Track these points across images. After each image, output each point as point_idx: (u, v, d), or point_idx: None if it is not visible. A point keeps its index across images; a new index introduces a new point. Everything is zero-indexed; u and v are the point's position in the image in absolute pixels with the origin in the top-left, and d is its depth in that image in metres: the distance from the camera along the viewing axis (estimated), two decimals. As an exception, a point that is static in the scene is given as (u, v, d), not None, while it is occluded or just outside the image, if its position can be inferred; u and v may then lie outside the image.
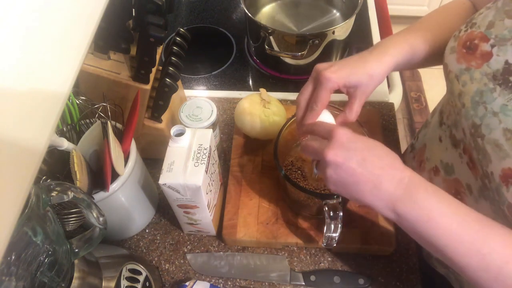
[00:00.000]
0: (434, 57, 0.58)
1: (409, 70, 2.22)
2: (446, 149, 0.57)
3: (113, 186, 0.56)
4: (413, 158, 0.73)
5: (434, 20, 0.61)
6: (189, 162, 0.56)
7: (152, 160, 0.75)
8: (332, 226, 0.55)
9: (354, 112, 0.55)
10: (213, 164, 0.61)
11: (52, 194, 0.43)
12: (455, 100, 0.52)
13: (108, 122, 0.55)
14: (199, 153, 0.57)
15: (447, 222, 0.43)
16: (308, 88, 0.55)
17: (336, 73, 0.52)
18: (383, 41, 0.58)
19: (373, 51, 0.56)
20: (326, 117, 0.55)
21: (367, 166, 0.45)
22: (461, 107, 0.50)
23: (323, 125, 0.51)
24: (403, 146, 0.82)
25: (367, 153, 0.46)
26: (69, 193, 0.44)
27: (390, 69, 0.55)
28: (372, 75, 0.54)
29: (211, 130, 0.60)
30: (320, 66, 0.55)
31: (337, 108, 0.65)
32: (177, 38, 0.64)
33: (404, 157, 0.77)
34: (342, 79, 0.53)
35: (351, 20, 0.87)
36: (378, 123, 0.79)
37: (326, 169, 0.47)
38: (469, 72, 0.49)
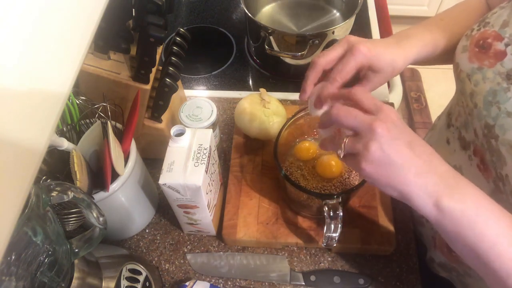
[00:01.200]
0: (449, 55, 0.57)
1: (409, 70, 2.22)
2: (454, 151, 0.56)
3: (113, 186, 0.56)
4: None
5: (453, 17, 0.60)
6: (189, 162, 0.56)
7: (152, 160, 0.75)
8: (332, 226, 0.55)
9: None
10: (213, 164, 0.61)
11: (52, 194, 0.43)
12: (466, 100, 0.51)
13: (108, 122, 0.55)
14: (199, 153, 0.57)
15: (497, 220, 0.39)
16: (333, 54, 0.51)
17: (370, 50, 0.50)
18: (408, 32, 0.57)
19: (401, 43, 0.54)
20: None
21: (416, 149, 0.41)
22: (473, 107, 0.49)
23: (368, 95, 0.44)
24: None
25: (414, 137, 0.42)
26: (69, 193, 0.44)
27: (409, 64, 0.55)
28: (395, 67, 0.52)
29: (211, 130, 0.60)
30: (353, 38, 0.52)
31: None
32: (177, 38, 0.64)
33: None
34: (372, 58, 0.51)
35: (351, 20, 0.87)
36: (378, 123, 0.78)
37: (370, 143, 0.40)
38: (481, 72, 0.48)
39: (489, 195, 0.44)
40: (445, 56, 0.58)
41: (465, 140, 0.54)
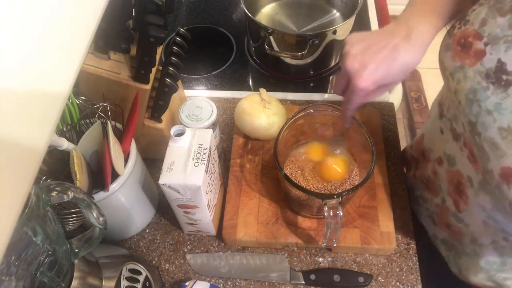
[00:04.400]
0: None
1: (409, 70, 2.22)
2: (448, 141, 0.58)
3: (113, 186, 0.56)
4: (411, 148, 0.74)
5: None
6: (189, 162, 0.56)
7: (152, 160, 0.75)
8: (332, 226, 0.55)
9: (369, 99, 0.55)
10: (213, 164, 0.61)
11: (52, 194, 0.43)
12: (452, 96, 0.52)
13: (108, 122, 0.55)
14: (199, 153, 0.57)
15: None
16: (341, 81, 0.56)
17: (370, 80, 0.50)
18: (411, 19, 0.53)
19: (411, 41, 0.51)
20: None
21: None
22: (457, 104, 0.51)
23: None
24: (403, 146, 0.82)
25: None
26: (69, 193, 0.44)
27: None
28: (404, 75, 0.52)
29: (211, 130, 0.60)
30: (352, 65, 0.51)
31: (338, 108, 0.65)
32: (177, 38, 0.64)
33: (405, 154, 0.77)
34: (376, 84, 0.51)
35: (351, 20, 0.87)
36: (378, 123, 0.79)
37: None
38: (463, 70, 0.49)
39: (478, 185, 0.51)
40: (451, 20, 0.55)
41: (456, 131, 0.55)
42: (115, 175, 0.56)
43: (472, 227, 0.58)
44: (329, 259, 0.67)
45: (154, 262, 0.68)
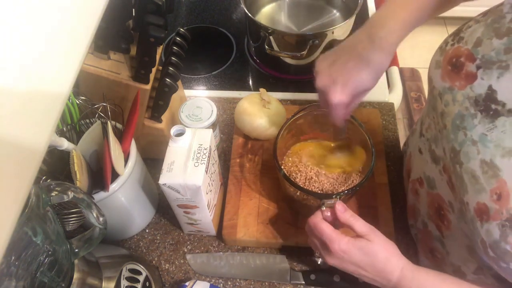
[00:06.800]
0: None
1: (409, 70, 2.22)
2: (427, 162, 0.55)
3: (113, 186, 0.56)
4: (405, 165, 0.72)
5: None
6: (189, 162, 0.56)
7: (152, 160, 0.75)
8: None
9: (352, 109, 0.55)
10: (213, 164, 0.61)
11: (52, 194, 0.43)
12: (437, 117, 0.49)
13: (108, 122, 0.55)
14: (199, 153, 0.57)
15: None
16: (321, 99, 0.56)
17: (343, 93, 0.51)
18: (378, 20, 0.51)
19: (375, 44, 0.49)
20: None
21: (361, 272, 0.51)
22: (442, 127, 0.48)
23: (324, 234, 0.52)
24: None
25: (360, 263, 0.50)
26: (69, 193, 0.44)
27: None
28: (378, 77, 0.51)
29: (211, 130, 0.60)
30: (322, 82, 0.52)
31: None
32: (177, 38, 0.64)
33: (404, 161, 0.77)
34: (350, 95, 0.51)
35: (351, 20, 0.87)
36: (378, 123, 0.79)
37: (329, 264, 0.54)
38: (452, 92, 0.46)
39: (458, 213, 0.47)
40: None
41: (435, 154, 0.52)
42: (115, 175, 0.56)
43: (455, 254, 0.55)
44: (329, 259, 0.67)
45: (154, 262, 0.68)
